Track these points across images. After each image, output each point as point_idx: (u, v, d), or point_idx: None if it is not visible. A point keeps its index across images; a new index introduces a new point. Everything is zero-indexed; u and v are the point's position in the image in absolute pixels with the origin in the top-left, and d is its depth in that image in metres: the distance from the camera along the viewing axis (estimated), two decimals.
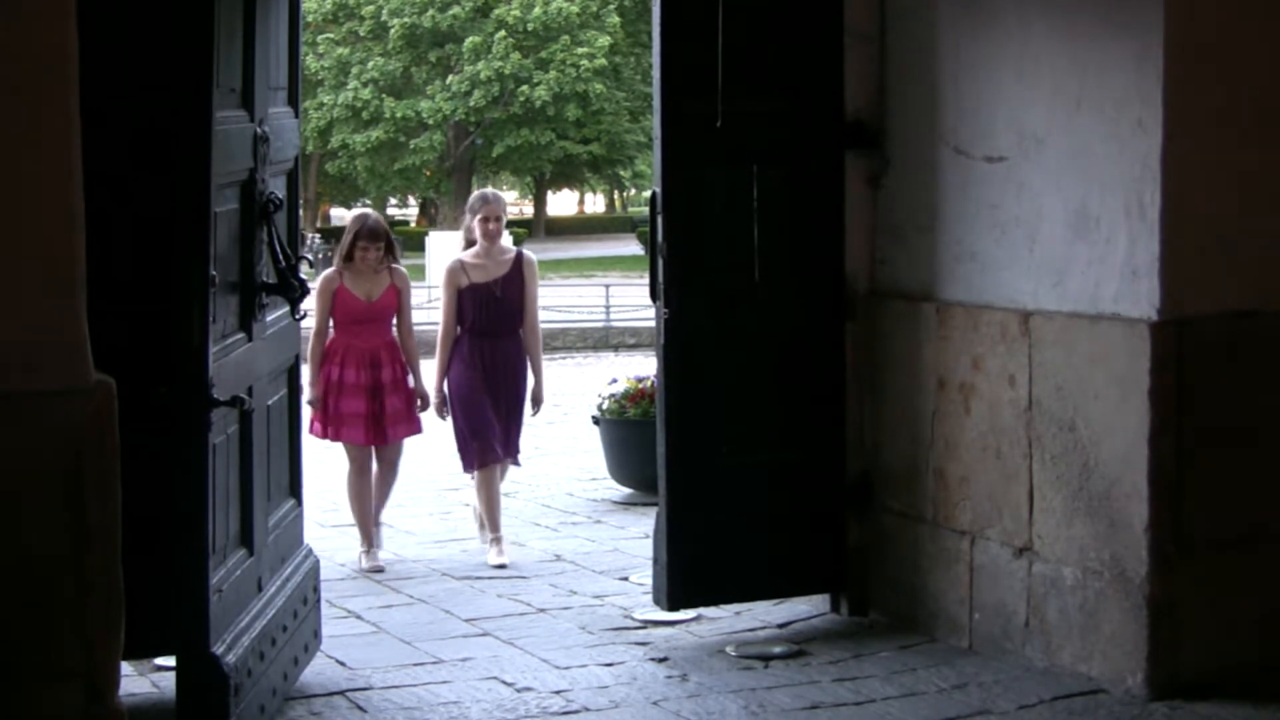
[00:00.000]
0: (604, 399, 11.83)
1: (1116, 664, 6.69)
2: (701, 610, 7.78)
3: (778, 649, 7.30)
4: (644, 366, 10.89)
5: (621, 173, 51.12)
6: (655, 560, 7.59)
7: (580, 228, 67.00)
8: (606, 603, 8.32)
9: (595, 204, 78.76)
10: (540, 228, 61.12)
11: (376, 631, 7.87)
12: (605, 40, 47.23)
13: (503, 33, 47.09)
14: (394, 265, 9.77)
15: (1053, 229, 6.97)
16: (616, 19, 47.96)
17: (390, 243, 9.75)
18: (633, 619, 7.92)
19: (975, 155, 7.33)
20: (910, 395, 7.64)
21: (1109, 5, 6.78)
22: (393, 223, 54.54)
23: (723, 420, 7.51)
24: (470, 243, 9.82)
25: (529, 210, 65.92)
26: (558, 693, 6.78)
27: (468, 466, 9.77)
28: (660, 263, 7.45)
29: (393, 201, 55.81)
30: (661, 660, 7.20)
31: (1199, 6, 6.64)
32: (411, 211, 58.45)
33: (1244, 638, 6.83)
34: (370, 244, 9.49)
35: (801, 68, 7.70)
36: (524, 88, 47.03)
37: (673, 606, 7.58)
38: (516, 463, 10.02)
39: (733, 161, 7.51)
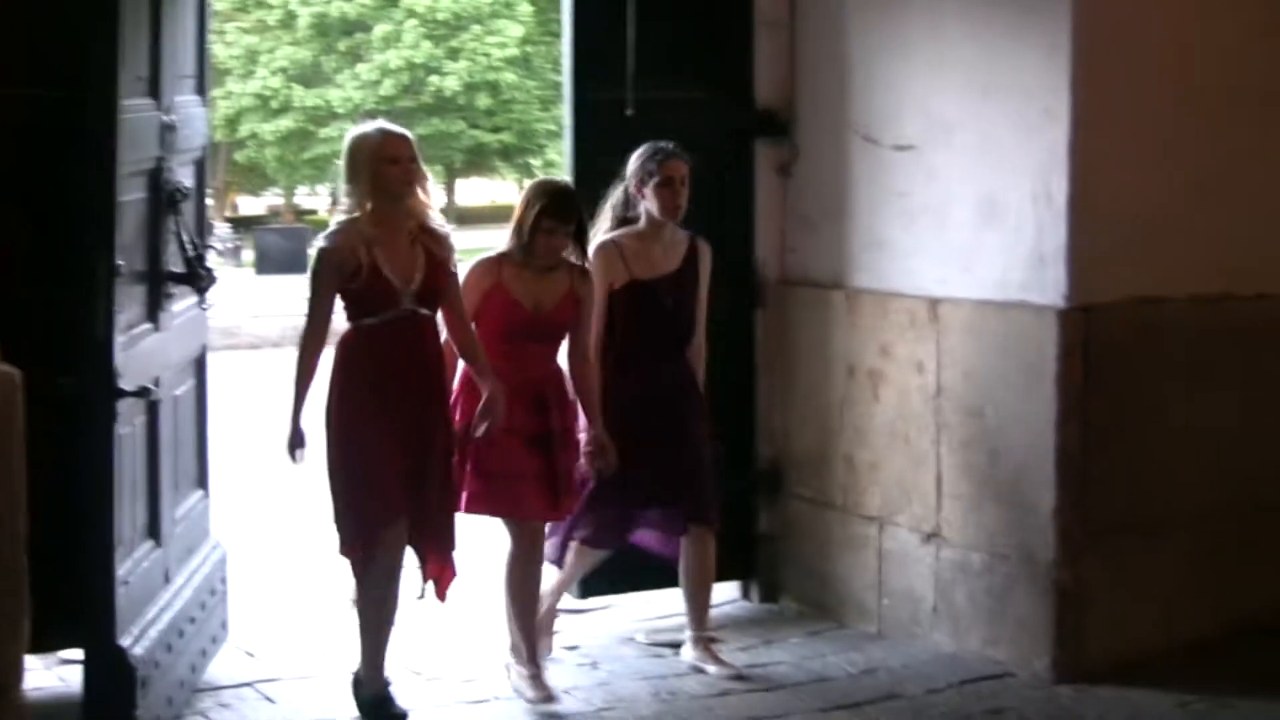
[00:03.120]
0: None
1: (1023, 648, 6.74)
2: (612, 598, 7.77)
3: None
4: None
5: (533, 161, 50.87)
6: None
7: (492, 216, 66.79)
8: None
9: (506, 193, 78.53)
10: (452, 217, 60.93)
11: (287, 623, 7.81)
12: (517, 29, 47.08)
13: (413, 21, 46.84)
14: (578, 263, 6.63)
15: (961, 217, 7.01)
16: (528, 8, 47.83)
17: (583, 227, 6.64)
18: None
19: (884, 143, 7.35)
20: (820, 383, 7.67)
21: None
22: (302, 212, 54.22)
23: None
24: (624, 220, 6.93)
25: (441, 199, 65.68)
26: (467, 681, 6.77)
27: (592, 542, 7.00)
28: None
29: (303, 190, 55.41)
30: (572, 648, 7.20)
31: None
32: (322, 201, 58.14)
33: (1149, 621, 6.90)
34: (559, 224, 6.47)
35: (712, 56, 7.71)
36: (435, 77, 46.80)
37: (583, 595, 7.57)
38: (707, 524, 6.99)
39: None
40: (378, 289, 6.15)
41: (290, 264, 35.03)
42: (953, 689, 6.63)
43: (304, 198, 56.64)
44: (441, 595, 6.49)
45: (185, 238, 6.38)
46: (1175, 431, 6.96)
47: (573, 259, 6.60)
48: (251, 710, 6.49)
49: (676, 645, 7.12)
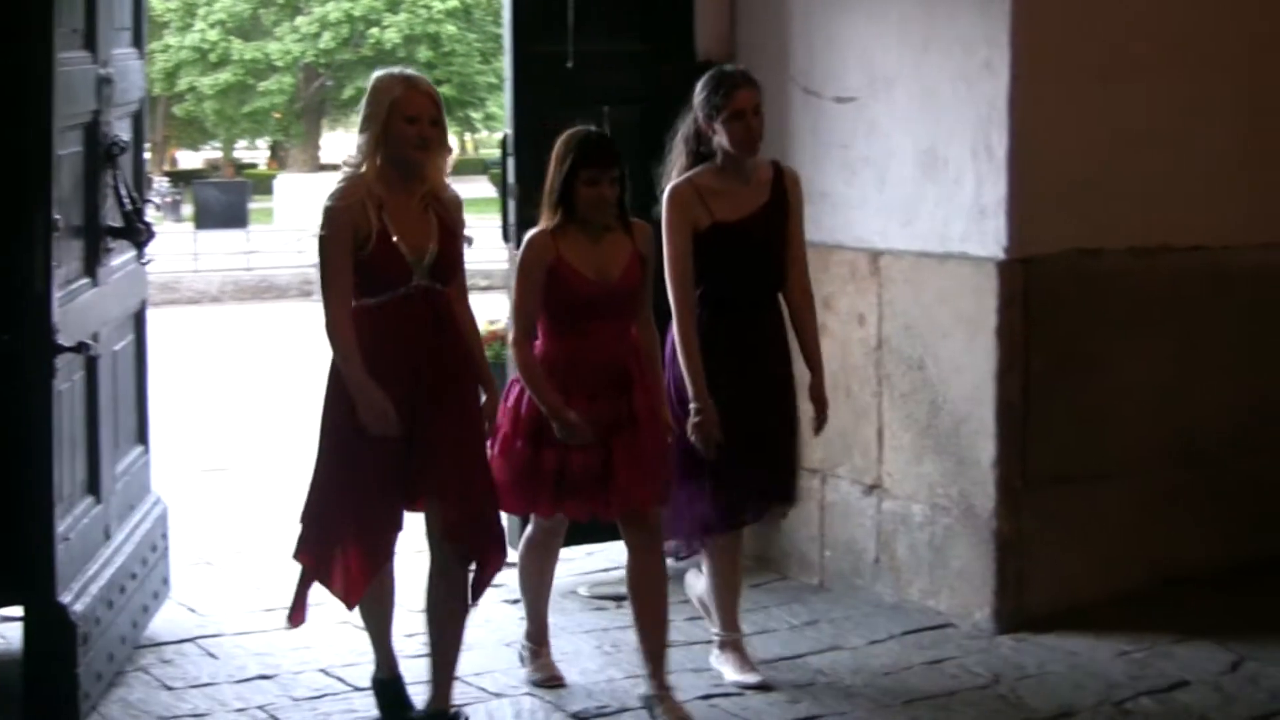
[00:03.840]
0: None
1: (964, 598, 6.79)
2: None
3: (626, 589, 7.31)
4: (496, 308, 10.84)
5: (473, 114, 50.74)
6: None
7: None
8: None
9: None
10: None
11: (228, 578, 7.80)
12: None
13: None
14: (630, 218, 5.96)
15: (902, 169, 7.02)
16: None
17: (625, 175, 5.91)
18: None
19: (825, 95, 7.35)
20: None
21: None
22: (241, 166, 53.91)
23: None
24: (699, 157, 6.20)
25: None
26: (411, 636, 6.76)
27: (696, 534, 6.31)
28: (512, 204, 7.43)
29: (242, 144, 55.08)
30: (514, 602, 7.20)
31: None
32: (261, 154, 57.79)
33: (1088, 570, 6.95)
34: (600, 172, 5.79)
35: (653, 8, 7.70)
36: (375, 30, 46.53)
37: None
38: (790, 502, 6.48)
39: (584, 102, 7.47)
40: (387, 261, 5.46)
41: (230, 218, 34.85)
42: (894, 640, 6.67)
43: (243, 151, 56.34)
44: (477, 592, 5.84)
45: (123, 192, 6.32)
46: (1113, 383, 7.00)
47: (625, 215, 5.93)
48: (194, 666, 6.48)
49: (619, 598, 7.12)
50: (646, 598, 5.96)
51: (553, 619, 6.87)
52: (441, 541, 5.70)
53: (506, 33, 7.49)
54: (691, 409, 6.01)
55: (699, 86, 6.18)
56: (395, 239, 5.47)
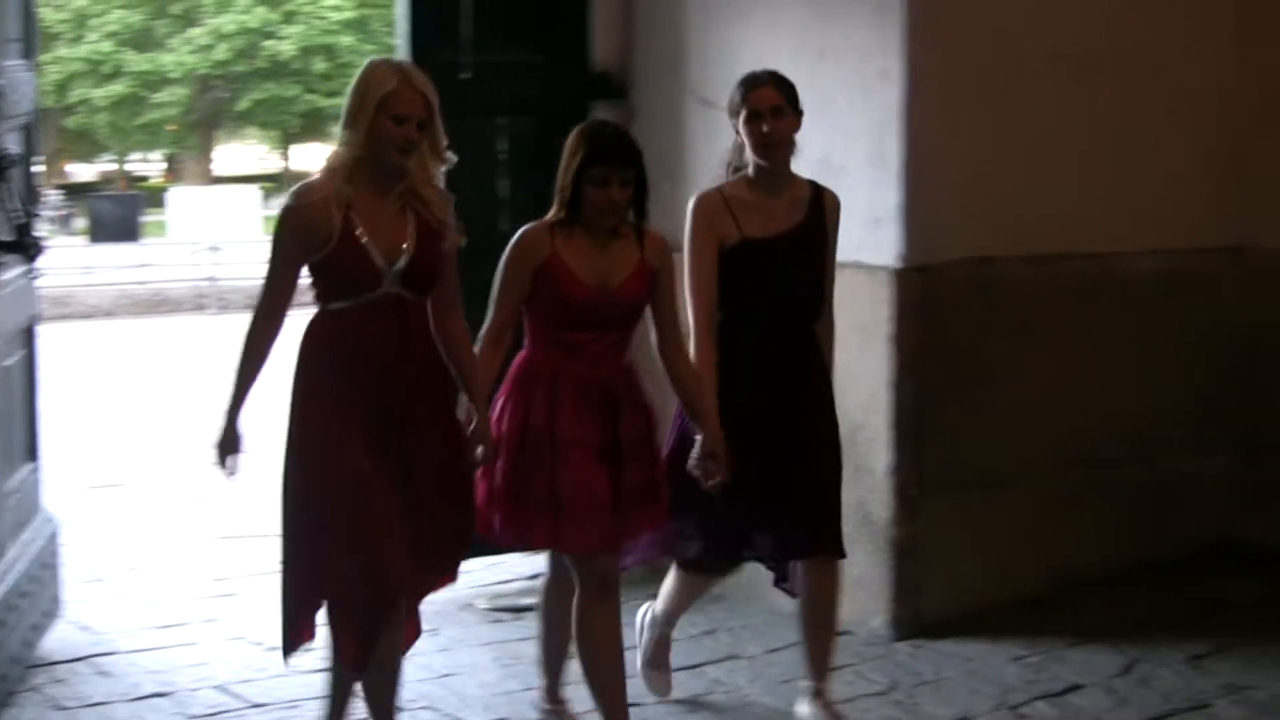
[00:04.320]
0: None
1: (861, 605, 6.80)
2: None
3: (529, 601, 7.28)
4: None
5: None
6: None
7: None
8: None
9: None
10: (288, 182, 60.30)
11: (122, 596, 7.71)
12: None
13: None
14: (645, 225, 5.42)
15: None
16: None
17: (645, 177, 5.36)
18: None
19: (720, 105, 7.35)
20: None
21: None
22: (135, 178, 53.42)
23: None
24: (739, 168, 5.75)
25: (277, 165, 65.04)
26: (307, 650, 6.71)
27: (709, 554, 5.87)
28: None
29: (135, 157, 54.60)
30: None
31: None
32: (155, 167, 57.31)
33: (985, 576, 6.99)
34: (612, 170, 5.24)
35: (549, 19, 7.68)
36: (270, 41, 46.27)
37: None
38: (838, 551, 5.86)
39: (481, 113, 7.46)
40: (353, 263, 4.89)
41: (123, 232, 34.56)
42: (792, 648, 6.67)
43: (137, 164, 55.82)
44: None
45: (13, 205, 6.24)
46: (1009, 389, 7.05)
47: (639, 223, 5.39)
48: (87, 685, 6.39)
49: (518, 610, 7.11)
50: (560, 624, 5.58)
51: (450, 632, 6.86)
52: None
53: (402, 44, 7.45)
54: (698, 437, 5.46)
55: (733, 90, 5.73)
56: (364, 239, 4.90)
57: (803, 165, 6.93)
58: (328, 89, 48.34)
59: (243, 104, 48.73)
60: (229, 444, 5.10)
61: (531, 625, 6.92)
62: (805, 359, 5.72)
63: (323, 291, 4.99)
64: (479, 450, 5.16)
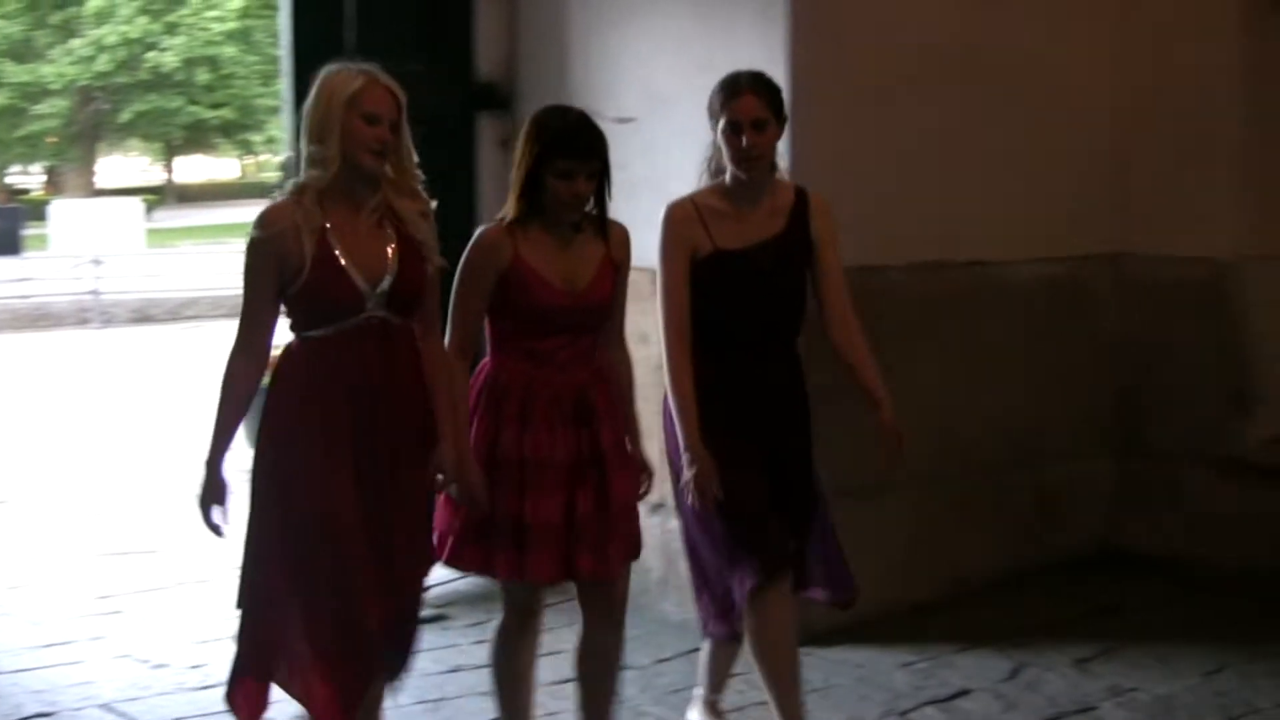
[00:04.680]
0: None
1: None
2: None
3: (431, 612, 7.25)
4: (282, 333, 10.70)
5: (253, 137, 50.24)
6: None
7: (213, 194, 65.80)
8: None
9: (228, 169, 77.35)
10: (172, 194, 59.79)
11: (5, 614, 7.61)
12: (237, 3, 46.33)
13: None
14: (607, 217, 5.07)
15: (681, 190, 7.02)
16: None
17: (608, 165, 5.00)
18: None
19: (606, 116, 7.34)
20: None
21: None
22: (15, 191, 52.74)
23: None
24: (713, 178, 5.39)
25: (160, 177, 64.50)
26: (195, 667, 6.66)
27: (727, 603, 5.44)
28: None
29: (15, 169, 53.96)
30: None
31: None
32: (36, 179, 56.68)
33: (874, 583, 7.00)
34: (577, 164, 4.87)
35: (434, 29, 7.66)
36: (152, 52, 45.86)
37: None
38: (847, 599, 5.65)
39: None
40: (332, 288, 4.54)
41: (4, 245, 34.12)
42: (680, 658, 6.68)
43: (17, 176, 55.15)
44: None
45: None
46: (897, 397, 7.07)
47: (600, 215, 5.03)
48: None
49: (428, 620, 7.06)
50: (596, 681, 5.23)
51: None
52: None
53: (286, 55, 7.41)
54: (684, 459, 5.18)
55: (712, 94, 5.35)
56: (343, 261, 4.55)
57: (687, 176, 6.97)
58: (211, 100, 48.05)
59: (125, 116, 48.29)
60: (214, 494, 4.67)
61: (443, 634, 6.92)
62: (790, 378, 5.41)
63: (300, 319, 4.63)
64: (439, 478, 4.80)
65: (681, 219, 5.26)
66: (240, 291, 4.62)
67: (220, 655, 6.72)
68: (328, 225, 4.56)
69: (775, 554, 5.31)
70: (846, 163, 6.83)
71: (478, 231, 4.98)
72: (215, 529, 4.67)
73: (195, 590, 7.88)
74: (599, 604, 5.13)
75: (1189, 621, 7.14)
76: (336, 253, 4.55)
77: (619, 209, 7.22)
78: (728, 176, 5.29)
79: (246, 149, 51.04)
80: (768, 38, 6.69)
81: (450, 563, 5.05)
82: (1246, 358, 7.73)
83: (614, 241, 5.05)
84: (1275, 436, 7.75)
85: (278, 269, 4.55)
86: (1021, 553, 7.65)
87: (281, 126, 7.59)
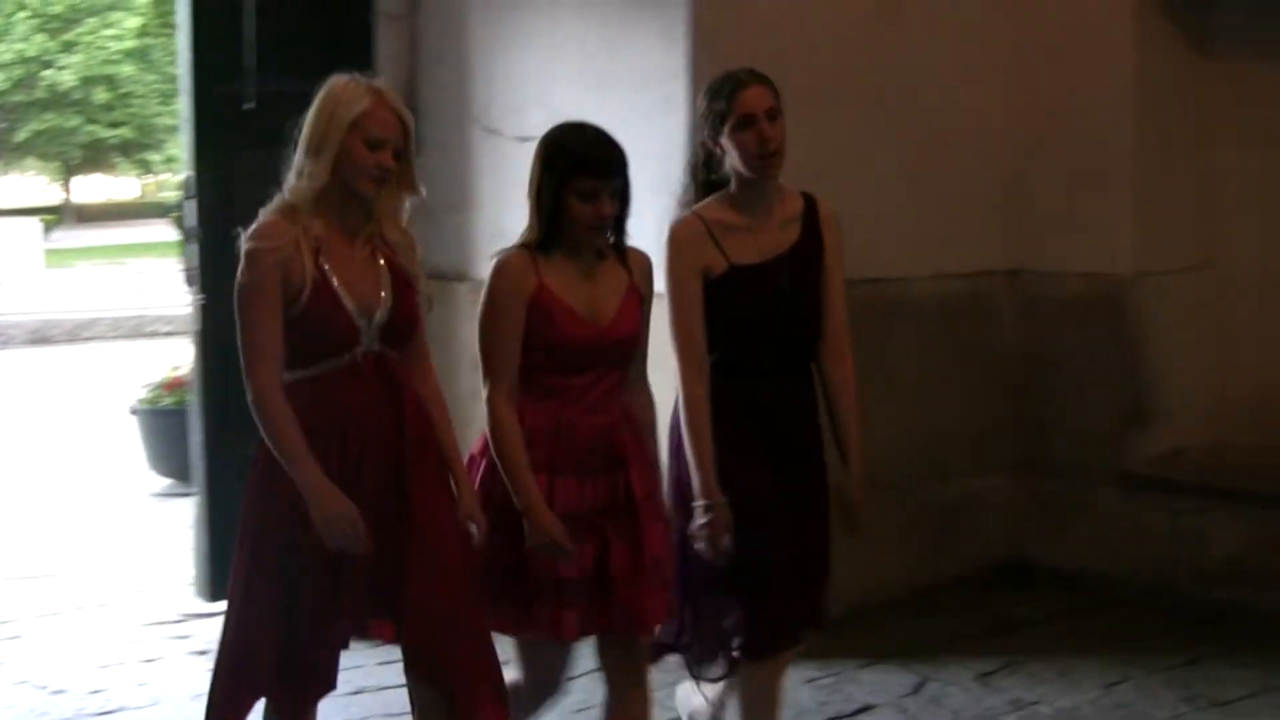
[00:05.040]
0: (142, 389, 11.53)
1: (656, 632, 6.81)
2: None
3: None
4: (180, 354, 10.63)
5: (153, 157, 49.88)
6: (195, 551, 7.44)
7: (113, 214, 65.27)
8: (146, 597, 8.09)
9: (127, 188, 76.71)
10: (70, 214, 59.30)
11: None
12: (135, 21, 45.99)
13: (25, 14, 45.44)
14: (627, 243, 4.72)
15: None
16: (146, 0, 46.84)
17: (629, 185, 4.64)
18: (173, 613, 7.73)
19: (507, 134, 7.37)
20: (449, 377, 7.62)
21: None
22: None
23: None
24: (711, 186, 4.96)
25: (58, 197, 63.95)
26: (95, 693, 6.59)
27: (732, 656, 5.05)
28: (194, 248, 7.30)
29: None
30: (203, 653, 7.06)
31: None
32: None
33: None
34: (599, 182, 4.52)
35: (333, 48, 7.62)
36: (49, 71, 45.45)
37: (214, 597, 7.42)
38: (820, 626, 5.20)
39: (267, 143, 7.35)
40: (327, 319, 4.24)
41: None
42: (587, 676, 6.66)
43: None
44: None
45: None
46: None
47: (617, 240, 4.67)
48: None
49: None
50: None
51: None
52: (411, 676, 4.50)
53: (185, 74, 7.37)
54: (697, 505, 4.75)
55: (700, 97, 5.00)
56: (339, 291, 4.25)
57: None
58: (109, 119, 47.66)
59: (21, 134, 47.80)
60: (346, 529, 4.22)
61: (347, 656, 6.84)
62: (805, 410, 5.00)
63: (290, 356, 4.27)
64: (470, 528, 4.46)
65: (689, 239, 4.82)
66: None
67: (120, 680, 6.67)
68: (321, 249, 4.27)
69: (779, 625, 4.96)
70: None
71: (497, 259, 4.60)
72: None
73: (95, 614, 7.80)
74: (626, 664, 4.74)
75: (1090, 634, 7.21)
76: (333, 280, 4.25)
77: (519, 228, 7.24)
78: (733, 185, 4.87)
79: (145, 168, 50.64)
80: (670, 54, 6.71)
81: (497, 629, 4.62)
82: (1142, 372, 7.82)
83: (636, 269, 4.69)
84: (1171, 450, 7.85)
85: (282, 283, 4.21)
86: (925, 569, 7.70)
87: (181, 145, 7.53)
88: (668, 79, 6.73)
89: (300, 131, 4.39)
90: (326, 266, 4.26)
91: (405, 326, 4.40)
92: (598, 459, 4.58)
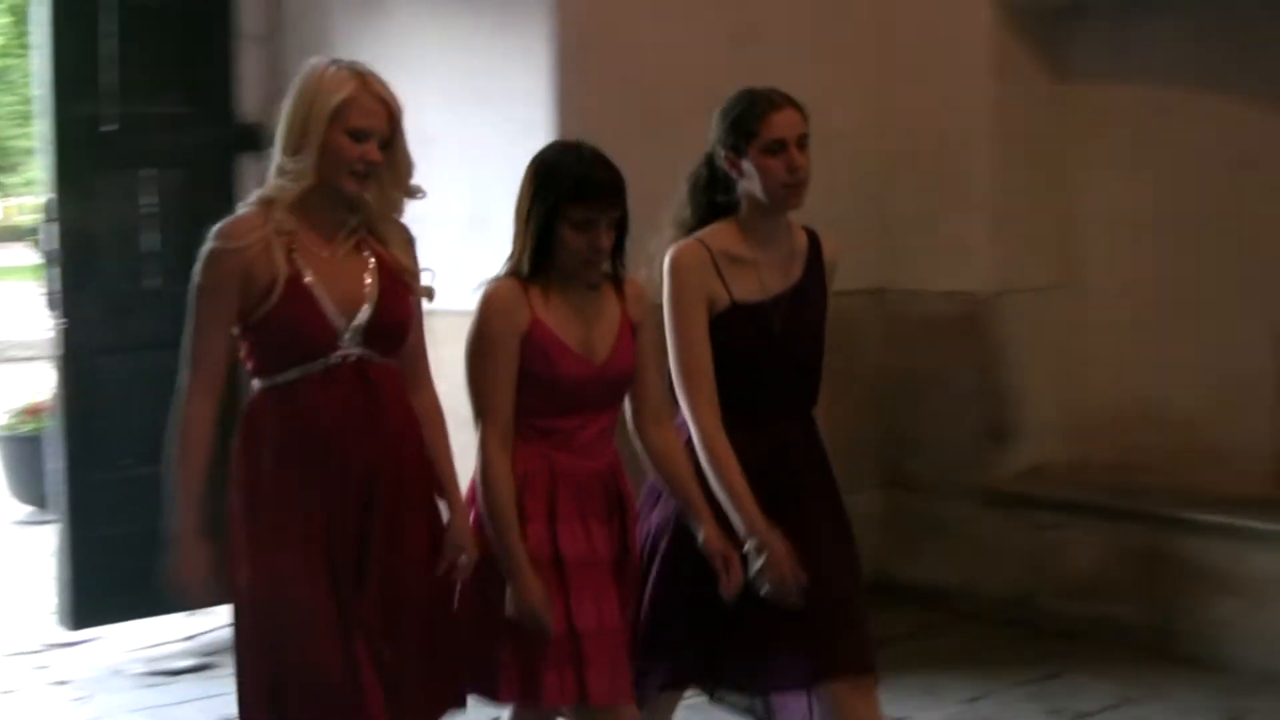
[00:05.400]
0: (1, 414, 11.38)
1: None
2: (103, 629, 7.50)
3: (184, 663, 7.14)
4: (41, 379, 10.50)
5: (11, 179, 49.20)
6: (57, 579, 7.34)
7: None
8: (5, 627, 7.96)
9: None
10: None
11: None
12: None
13: None
14: (621, 274, 4.34)
15: (451, 230, 7.03)
16: (3, 19, 46.20)
17: (626, 215, 4.28)
18: (34, 642, 7.61)
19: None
20: None
21: (497, 5, 6.90)
22: None
23: (125, 431, 7.28)
24: (713, 209, 4.55)
25: None
26: None
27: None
28: (55, 271, 7.21)
29: None
30: (63, 684, 6.96)
31: (585, 5, 6.82)
32: None
33: None
34: (596, 211, 4.16)
35: (194, 70, 7.59)
36: None
37: (76, 626, 7.33)
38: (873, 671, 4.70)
39: (126, 165, 7.33)
40: (302, 319, 3.85)
41: None
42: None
43: None
44: None
45: None
46: None
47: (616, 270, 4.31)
48: None
49: (174, 672, 6.95)
50: None
51: (103, 698, 6.69)
52: None
53: (43, 95, 7.28)
54: (749, 546, 4.27)
55: (720, 113, 4.60)
56: (313, 287, 3.87)
57: (455, 217, 6.98)
58: None
59: None
60: (192, 568, 3.90)
61: (188, 688, 6.80)
62: (813, 441, 4.64)
63: (262, 362, 3.91)
64: (461, 559, 4.08)
65: (696, 265, 4.39)
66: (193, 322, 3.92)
67: None
68: (295, 246, 3.88)
69: (861, 640, 4.61)
70: None
71: (486, 289, 4.26)
72: (199, 603, 4.04)
73: None
74: None
75: (953, 649, 7.28)
76: (307, 279, 3.86)
77: None
78: (744, 211, 4.48)
79: (3, 191, 49.90)
80: (533, 77, 6.72)
81: (482, 691, 4.20)
82: (1003, 390, 7.92)
83: (630, 300, 4.31)
84: (1031, 467, 7.95)
85: (241, 288, 3.83)
86: None
87: (40, 168, 7.45)
88: (531, 102, 6.74)
89: (277, 125, 3.97)
90: (300, 262, 3.87)
91: (394, 329, 4.00)
92: (599, 508, 4.20)
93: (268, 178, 3.98)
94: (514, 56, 6.80)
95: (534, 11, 6.75)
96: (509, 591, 4.07)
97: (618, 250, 4.26)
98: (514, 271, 4.21)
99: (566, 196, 4.11)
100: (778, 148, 4.40)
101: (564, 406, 4.16)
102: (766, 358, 4.44)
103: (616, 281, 4.30)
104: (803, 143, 4.44)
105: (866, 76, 7.94)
